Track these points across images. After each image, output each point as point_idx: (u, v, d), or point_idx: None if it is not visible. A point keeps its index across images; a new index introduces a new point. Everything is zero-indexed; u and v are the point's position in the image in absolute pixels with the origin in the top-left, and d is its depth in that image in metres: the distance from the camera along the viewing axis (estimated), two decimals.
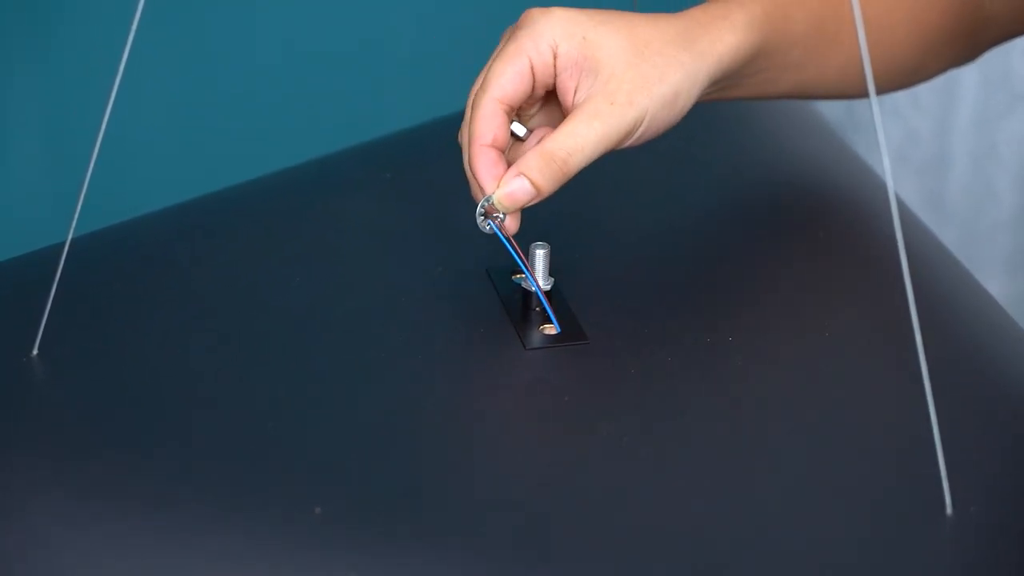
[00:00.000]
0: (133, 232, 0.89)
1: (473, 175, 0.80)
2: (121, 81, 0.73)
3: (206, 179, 1.00)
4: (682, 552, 0.67)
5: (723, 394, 0.77)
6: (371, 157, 0.99)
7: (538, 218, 0.83)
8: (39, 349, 0.77)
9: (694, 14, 0.83)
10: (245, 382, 0.76)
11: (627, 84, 0.80)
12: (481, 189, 0.80)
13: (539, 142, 0.80)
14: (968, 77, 1.84)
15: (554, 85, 0.81)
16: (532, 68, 0.80)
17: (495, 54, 0.81)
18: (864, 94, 0.95)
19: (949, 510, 0.69)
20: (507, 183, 0.79)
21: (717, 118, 1.02)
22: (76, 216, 0.76)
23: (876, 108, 0.67)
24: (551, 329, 0.81)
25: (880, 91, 0.97)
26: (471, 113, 0.80)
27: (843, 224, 0.95)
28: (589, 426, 0.75)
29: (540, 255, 0.82)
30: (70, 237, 0.77)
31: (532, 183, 0.79)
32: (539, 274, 0.82)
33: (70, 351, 0.77)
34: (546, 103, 0.84)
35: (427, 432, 0.73)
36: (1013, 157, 1.86)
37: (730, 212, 0.93)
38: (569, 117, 0.80)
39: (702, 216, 0.93)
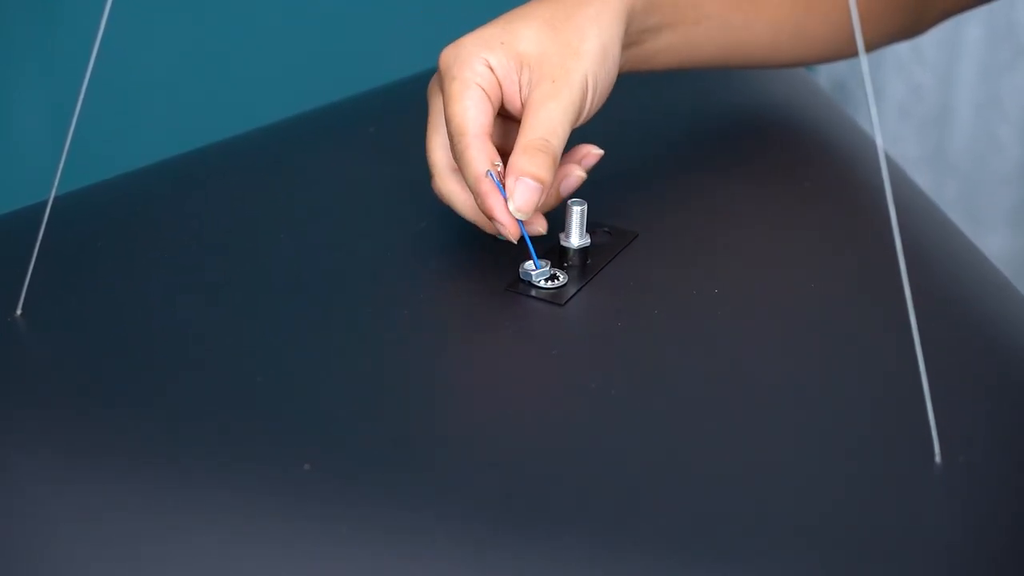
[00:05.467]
0: (116, 189, 0.89)
1: (497, 220, 0.80)
2: (104, 40, 0.73)
3: (191, 135, 1.00)
4: (669, 502, 0.67)
5: (709, 345, 0.77)
6: (355, 112, 0.99)
7: None
8: (22, 309, 0.77)
9: None
10: (232, 339, 0.76)
11: (556, 57, 0.81)
12: (506, 228, 0.80)
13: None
14: (972, 30, 1.83)
15: (502, 100, 0.83)
16: (484, 92, 0.81)
17: (441, 106, 0.82)
18: (794, 62, 0.96)
19: (938, 459, 0.68)
20: (514, 190, 0.80)
21: (706, 79, 1.01)
22: (59, 174, 0.76)
23: (864, 63, 0.67)
24: (533, 267, 0.81)
25: (815, 60, 0.98)
26: (462, 158, 0.80)
27: (831, 177, 0.95)
28: (578, 378, 0.74)
29: (576, 211, 0.82)
30: (53, 195, 0.77)
31: (534, 178, 0.80)
32: (575, 231, 0.83)
33: (54, 311, 0.77)
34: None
35: (416, 387, 0.73)
36: (1017, 110, 1.86)
37: (717, 167, 0.93)
38: (526, 111, 0.81)
39: (687, 172, 0.93)
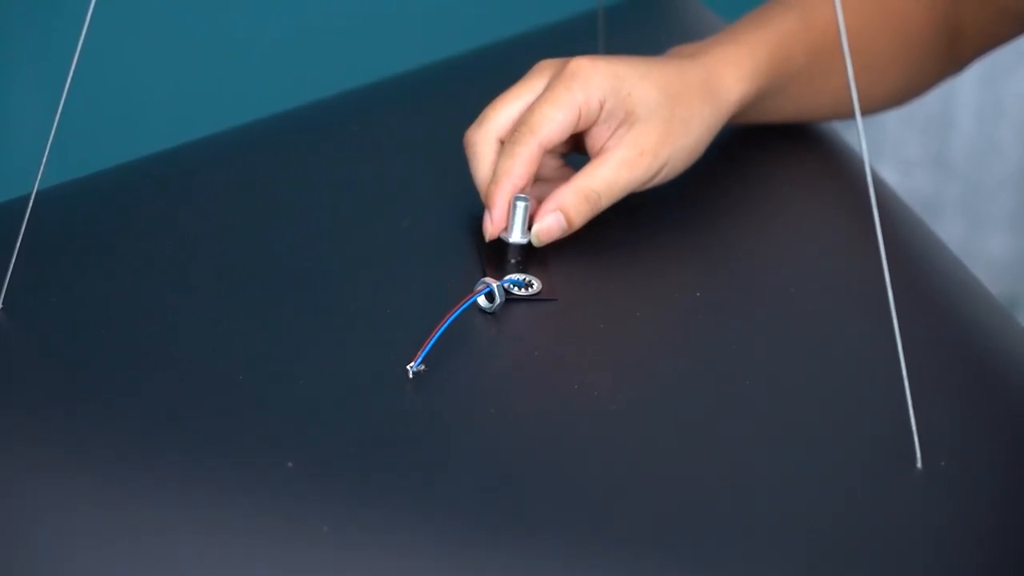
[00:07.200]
0: (99, 184, 0.89)
1: (491, 209, 0.82)
2: (90, 34, 0.73)
3: (174, 132, 1.00)
4: (650, 505, 0.67)
5: (690, 348, 0.77)
6: (338, 110, 0.99)
7: None
8: (3, 303, 0.76)
9: (709, 61, 0.87)
10: (215, 335, 0.76)
11: (655, 136, 0.84)
12: (492, 222, 0.82)
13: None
14: None
15: (584, 131, 0.85)
16: (579, 118, 0.83)
17: (538, 89, 0.84)
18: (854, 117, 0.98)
19: (919, 464, 0.68)
20: (543, 217, 0.82)
21: None
22: (42, 168, 0.76)
23: (849, 65, 0.67)
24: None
25: (873, 111, 1.01)
26: (514, 149, 0.82)
27: (814, 184, 0.96)
28: (560, 381, 0.74)
29: (520, 207, 0.82)
30: (35, 189, 0.77)
31: (567, 218, 0.82)
32: (517, 228, 0.82)
33: (36, 306, 0.77)
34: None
35: (398, 386, 0.73)
36: (1018, 113, 1.86)
37: (696, 172, 0.93)
38: (601, 159, 0.83)
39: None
